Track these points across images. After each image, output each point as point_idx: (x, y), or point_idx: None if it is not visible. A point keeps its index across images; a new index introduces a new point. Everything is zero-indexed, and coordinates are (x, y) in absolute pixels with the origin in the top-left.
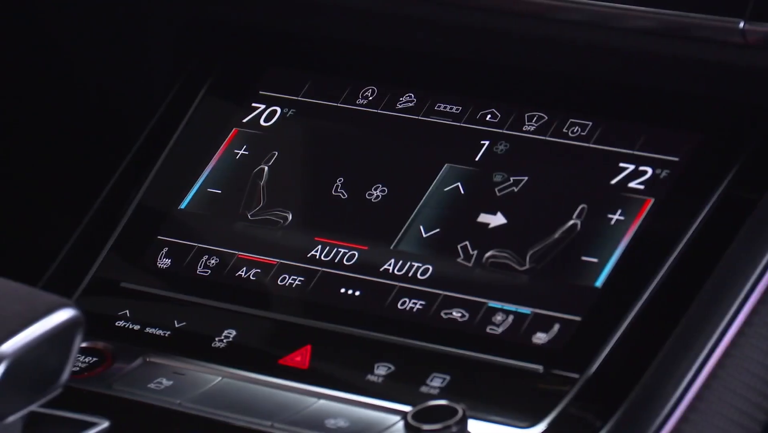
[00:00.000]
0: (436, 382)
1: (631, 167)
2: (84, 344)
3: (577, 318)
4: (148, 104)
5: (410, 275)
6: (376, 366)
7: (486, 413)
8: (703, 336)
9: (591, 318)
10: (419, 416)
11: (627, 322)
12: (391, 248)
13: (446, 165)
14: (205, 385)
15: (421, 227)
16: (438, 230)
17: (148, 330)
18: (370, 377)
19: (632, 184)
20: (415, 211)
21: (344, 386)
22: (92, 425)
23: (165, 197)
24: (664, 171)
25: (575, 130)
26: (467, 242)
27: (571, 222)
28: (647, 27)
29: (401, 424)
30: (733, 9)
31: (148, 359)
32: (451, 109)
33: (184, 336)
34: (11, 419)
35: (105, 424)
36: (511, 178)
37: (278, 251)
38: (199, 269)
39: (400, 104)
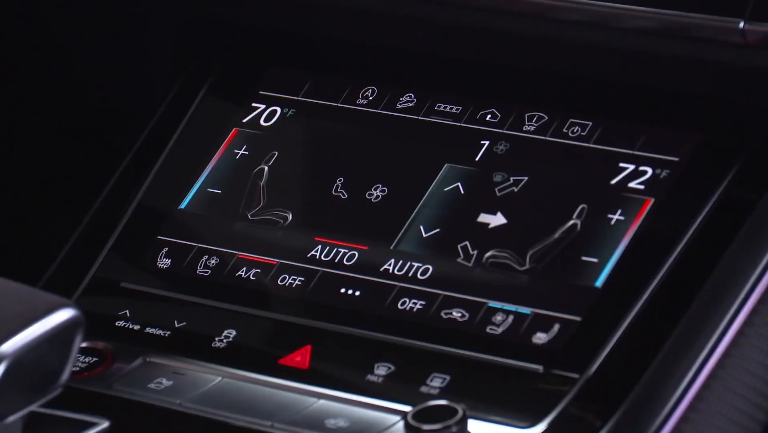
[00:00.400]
0: (436, 382)
1: (631, 167)
2: (84, 344)
3: (577, 318)
4: (148, 104)
5: (410, 275)
6: (376, 366)
7: (486, 413)
8: (703, 336)
9: (591, 318)
10: (419, 416)
11: (627, 322)
12: (391, 248)
13: (446, 165)
14: (205, 385)
15: (421, 227)
16: (438, 230)
17: (148, 330)
18: (370, 377)
19: (632, 184)
20: (415, 211)
21: (344, 386)
22: (92, 425)
23: (165, 197)
24: (664, 171)
25: (575, 130)
26: (467, 242)
27: (571, 222)
28: (647, 27)
29: (401, 424)
30: (733, 9)
31: (148, 359)
32: (451, 109)
33: (184, 336)
34: (11, 419)
35: (105, 424)
36: (511, 178)
37: (278, 251)
38: (199, 269)
39: (400, 104)
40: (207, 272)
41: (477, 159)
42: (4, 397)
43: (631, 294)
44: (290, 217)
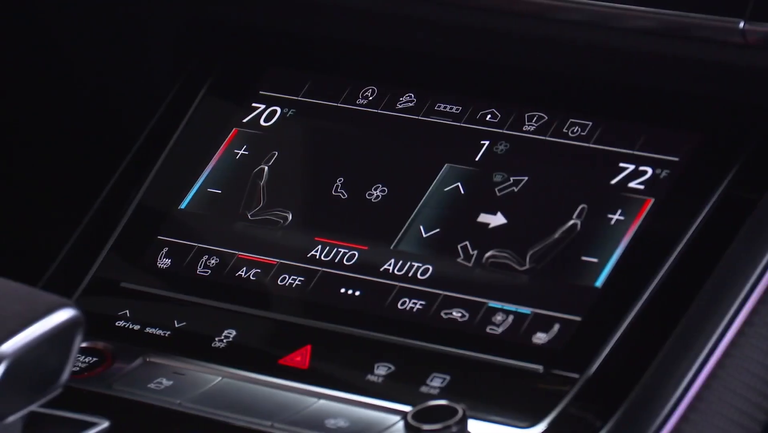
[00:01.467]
0: (436, 382)
1: (631, 167)
2: (84, 344)
3: (577, 318)
4: (148, 104)
5: (410, 275)
6: (376, 366)
7: (486, 413)
8: (703, 336)
9: (591, 318)
10: (419, 416)
11: (627, 322)
12: (391, 247)
13: (446, 165)
14: (205, 385)
15: (421, 227)
16: (438, 229)
17: (148, 330)
18: (370, 377)
19: (632, 184)
20: (415, 211)
21: (344, 386)
22: (92, 425)
23: (165, 197)
24: (664, 171)
25: (575, 130)
26: (467, 242)
27: (571, 222)
28: (647, 27)
29: (401, 424)
30: (733, 9)
31: (148, 359)
32: (451, 109)
33: (184, 336)
34: (11, 419)
35: (105, 424)
36: (511, 178)
37: (278, 251)
38: (199, 269)
39: (400, 104)
40: (207, 272)
41: (477, 159)
42: (4, 397)
43: (631, 294)
44: (290, 217)
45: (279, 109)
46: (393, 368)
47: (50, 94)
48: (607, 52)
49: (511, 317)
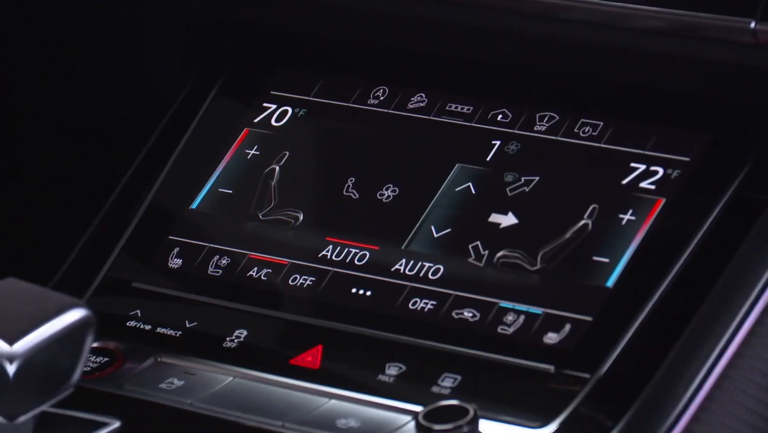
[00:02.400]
0: (448, 382)
1: (643, 167)
2: (95, 344)
3: (589, 318)
4: (159, 105)
5: (421, 275)
6: (387, 366)
7: (497, 413)
8: (714, 336)
9: (602, 318)
10: (430, 416)
11: (638, 322)
12: (403, 248)
13: (457, 165)
14: (216, 385)
15: (433, 227)
16: (449, 230)
17: (160, 330)
18: (381, 377)
19: (643, 185)
20: (427, 211)
21: (355, 386)
22: (103, 425)
23: (176, 197)
24: (675, 171)
25: (586, 131)
26: (478, 242)
27: (583, 222)
28: (658, 27)
29: (412, 424)
30: (744, 9)
31: (159, 359)
32: (462, 109)
33: (195, 336)
34: (23, 419)
35: (116, 424)
36: (523, 178)
37: (289, 251)
38: (210, 269)
39: (411, 104)
40: (218, 272)
41: (488, 159)
42: (15, 397)
43: (642, 294)
44: (301, 217)
45: (290, 109)
46: (404, 368)
47: (62, 95)
48: (618, 52)
49: (522, 317)
